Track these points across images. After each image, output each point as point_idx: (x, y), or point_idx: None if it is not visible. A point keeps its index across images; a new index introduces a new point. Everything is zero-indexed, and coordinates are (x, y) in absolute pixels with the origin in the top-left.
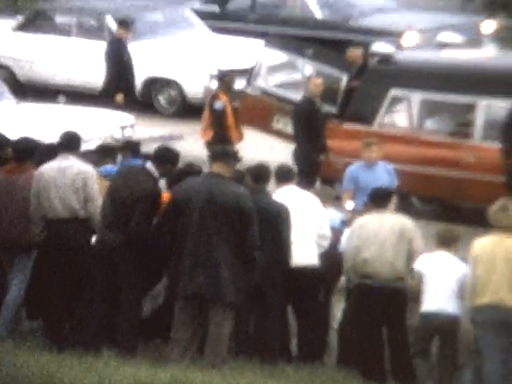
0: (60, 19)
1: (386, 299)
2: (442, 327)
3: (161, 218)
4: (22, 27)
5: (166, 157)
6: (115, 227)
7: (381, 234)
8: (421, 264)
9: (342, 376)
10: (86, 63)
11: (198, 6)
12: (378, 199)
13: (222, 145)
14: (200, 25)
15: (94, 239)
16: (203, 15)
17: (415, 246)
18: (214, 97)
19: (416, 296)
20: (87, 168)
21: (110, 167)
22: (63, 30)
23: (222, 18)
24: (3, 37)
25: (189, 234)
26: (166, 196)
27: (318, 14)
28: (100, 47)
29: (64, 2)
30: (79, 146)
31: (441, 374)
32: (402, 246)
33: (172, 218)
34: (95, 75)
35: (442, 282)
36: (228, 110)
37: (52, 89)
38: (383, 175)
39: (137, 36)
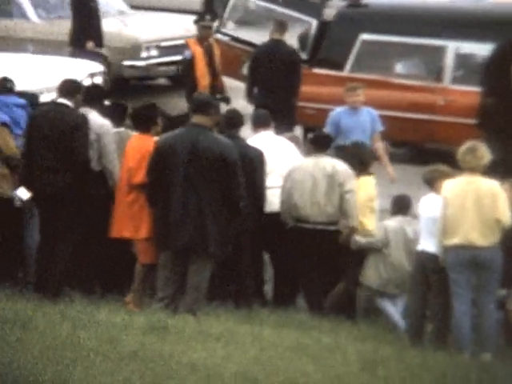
0: None
1: (318, 242)
2: (425, 265)
3: (147, 169)
4: None
5: (73, 88)
6: (55, 169)
7: (313, 178)
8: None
9: (316, 319)
10: None
11: None
12: (316, 143)
13: (197, 94)
14: None
15: (22, 190)
16: None
17: (346, 188)
18: (185, 45)
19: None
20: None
21: None
22: None
23: None
24: None
25: (175, 186)
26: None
27: None
28: None
29: None
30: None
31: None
32: (333, 189)
33: (157, 169)
34: None
35: (424, 222)
36: (198, 59)
37: None
38: (366, 120)
39: None
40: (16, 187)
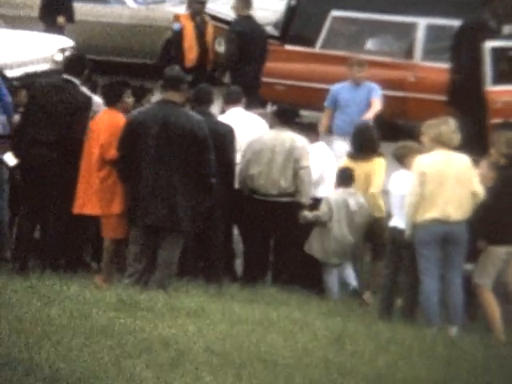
0: None
1: (271, 213)
2: (397, 241)
3: (117, 144)
4: None
5: (81, 64)
6: (47, 141)
7: (271, 150)
8: (389, 183)
9: (285, 295)
10: None
11: None
12: (280, 116)
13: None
14: None
15: (8, 156)
16: None
17: (302, 164)
18: (175, 18)
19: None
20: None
21: None
22: None
23: None
24: None
25: (145, 162)
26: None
27: None
28: None
29: None
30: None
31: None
32: (288, 164)
33: (128, 145)
34: None
35: (395, 198)
36: (187, 32)
37: None
38: (362, 95)
39: None
40: (2, 153)
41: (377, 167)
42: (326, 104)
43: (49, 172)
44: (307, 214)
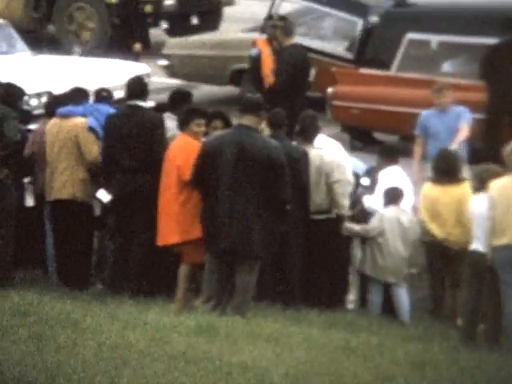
0: None
1: (308, 231)
2: (478, 264)
3: (192, 170)
4: None
5: (141, 87)
6: (133, 169)
7: None
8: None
9: (364, 319)
10: None
11: None
12: (302, 135)
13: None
14: None
15: (101, 193)
16: None
17: (333, 178)
18: (253, 43)
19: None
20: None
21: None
22: None
23: None
24: None
25: (222, 188)
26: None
27: None
28: None
29: None
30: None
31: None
32: (320, 180)
33: (203, 171)
34: None
35: (474, 221)
36: (265, 57)
37: None
38: (452, 120)
39: None
40: (96, 190)
41: (468, 191)
42: (416, 132)
43: (135, 199)
44: (353, 227)
